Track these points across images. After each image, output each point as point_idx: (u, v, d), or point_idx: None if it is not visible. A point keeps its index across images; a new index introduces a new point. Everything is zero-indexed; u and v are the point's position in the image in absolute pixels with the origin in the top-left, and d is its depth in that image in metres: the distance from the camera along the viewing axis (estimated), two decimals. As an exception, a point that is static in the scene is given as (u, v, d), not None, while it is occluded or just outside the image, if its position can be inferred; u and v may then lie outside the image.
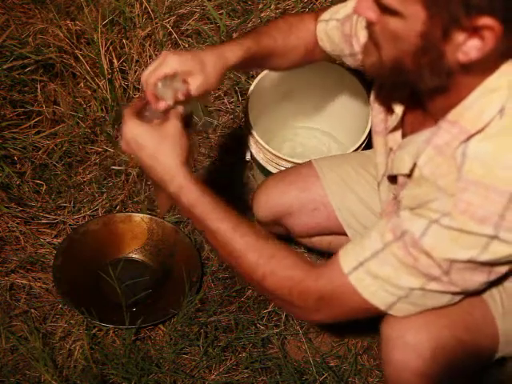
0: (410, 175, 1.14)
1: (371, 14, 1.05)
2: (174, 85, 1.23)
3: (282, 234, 1.65)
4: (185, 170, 1.19)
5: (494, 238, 1.02)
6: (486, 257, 1.04)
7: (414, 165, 1.12)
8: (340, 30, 1.37)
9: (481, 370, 1.28)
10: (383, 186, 1.34)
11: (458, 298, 1.14)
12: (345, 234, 1.53)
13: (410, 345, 1.16)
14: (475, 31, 0.98)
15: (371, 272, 1.11)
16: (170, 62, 1.23)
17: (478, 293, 1.19)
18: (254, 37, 1.37)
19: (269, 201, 1.57)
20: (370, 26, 1.08)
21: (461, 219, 1.02)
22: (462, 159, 1.03)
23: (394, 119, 1.24)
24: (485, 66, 1.03)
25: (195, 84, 1.25)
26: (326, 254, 1.66)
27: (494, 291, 1.23)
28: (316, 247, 1.68)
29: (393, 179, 1.26)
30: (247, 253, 1.17)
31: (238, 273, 1.21)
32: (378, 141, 1.32)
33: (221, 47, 1.32)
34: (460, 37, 0.99)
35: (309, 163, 1.56)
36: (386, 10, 1.02)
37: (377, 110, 1.30)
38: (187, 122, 1.27)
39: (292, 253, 1.19)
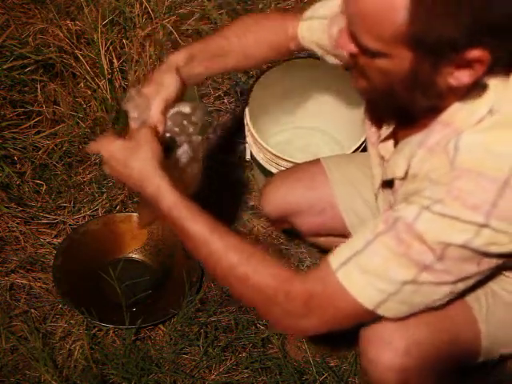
0: (404, 178, 1.14)
1: (353, 47, 1.04)
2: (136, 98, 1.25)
3: (291, 230, 1.67)
4: (160, 172, 1.18)
5: (485, 226, 1.01)
6: (479, 242, 1.02)
7: (408, 167, 1.12)
8: (326, 33, 1.36)
9: (464, 370, 1.27)
10: (381, 197, 1.34)
11: (448, 291, 1.10)
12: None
13: (385, 341, 1.16)
14: (465, 64, 0.98)
15: (360, 265, 1.08)
16: None
17: (463, 295, 1.18)
18: (203, 39, 1.42)
19: (277, 198, 1.57)
20: (353, 57, 1.07)
21: (453, 206, 1.01)
22: (455, 152, 1.02)
23: (385, 130, 1.24)
24: (476, 84, 1.03)
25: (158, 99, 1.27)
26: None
27: (480, 294, 1.22)
28: (323, 247, 1.69)
29: (388, 186, 1.25)
30: (227, 253, 1.14)
31: (218, 276, 1.17)
32: (372, 152, 1.32)
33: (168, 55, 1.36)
34: (450, 69, 0.99)
35: (317, 162, 1.56)
36: (368, 52, 1.00)
37: (369, 122, 1.30)
38: (169, 147, 1.27)
39: (272, 257, 1.16)
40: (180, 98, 1.31)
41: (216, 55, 1.40)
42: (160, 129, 1.27)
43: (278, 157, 1.67)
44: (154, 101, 1.26)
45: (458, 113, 1.05)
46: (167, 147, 1.27)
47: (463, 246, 1.03)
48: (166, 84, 1.28)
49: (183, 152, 1.29)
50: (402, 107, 1.10)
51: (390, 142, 1.23)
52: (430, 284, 1.07)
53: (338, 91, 1.83)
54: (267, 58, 1.48)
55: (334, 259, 1.11)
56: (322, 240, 1.64)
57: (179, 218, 1.16)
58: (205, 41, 1.42)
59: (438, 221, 1.02)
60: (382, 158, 1.26)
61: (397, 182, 1.18)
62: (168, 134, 1.28)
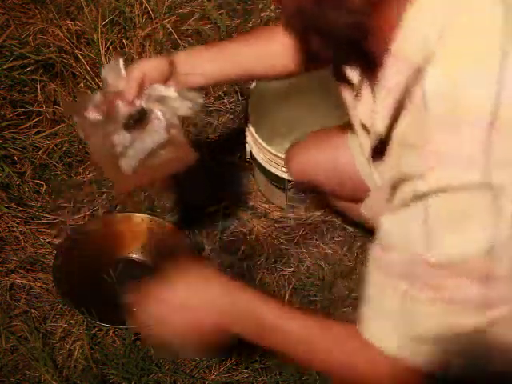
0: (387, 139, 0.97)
1: None
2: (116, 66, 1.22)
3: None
4: (227, 296, 1.08)
5: (486, 185, 0.79)
6: (506, 228, 0.79)
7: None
8: None
9: None
10: (374, 167, 1.17)
11: None
12: None
13: None
14: None
15: (419, 339, 0.90)
16: None
17: None
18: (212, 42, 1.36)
19: (300, 164, 1.59)
20: None
21: (434, 176, 0.82)
22: (425, 107, 0.83)
23: (355, 87, 1.10)
24: None
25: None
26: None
27: None
28: (348, 214, 1.70)
29: (380, 154, 1.04)
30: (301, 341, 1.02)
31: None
32: (354, 117, 1.19)
33: None
34: None
35: (344, 130, 1.49)
36: None
37: (341, 86, 1.17)
38: (139, 119, 1.23)
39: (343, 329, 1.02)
40: (165, 80, 1.26)
41: (226, 55, 1.32)
42: (130, 96, 1.22)
43: (278, 157, 1.67)
44: (131, 69, 1.23)
45: (407, 41, 0.86)
46: (136, 118, 1.23)
47: (496, 247, 0.81)
48: (148, 60, 1.25)
49: (156, 128, 1.23)
50: (329, 33, 0.92)
51: (369, 97, 1.06)
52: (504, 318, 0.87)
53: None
54: (284, 64, 1.38)
55: (384, 343, 0.94)
56: (345, 205, 1.63)
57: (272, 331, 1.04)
58: (213, 43, 1.37)
59: (438, 219, 0.83)
60: (363, 124, 1.10)
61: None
62: (142, 105, 1.23)
